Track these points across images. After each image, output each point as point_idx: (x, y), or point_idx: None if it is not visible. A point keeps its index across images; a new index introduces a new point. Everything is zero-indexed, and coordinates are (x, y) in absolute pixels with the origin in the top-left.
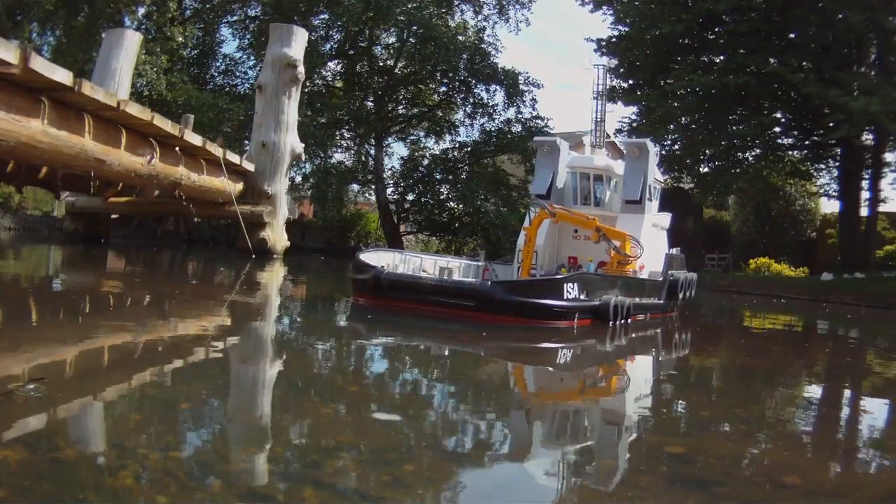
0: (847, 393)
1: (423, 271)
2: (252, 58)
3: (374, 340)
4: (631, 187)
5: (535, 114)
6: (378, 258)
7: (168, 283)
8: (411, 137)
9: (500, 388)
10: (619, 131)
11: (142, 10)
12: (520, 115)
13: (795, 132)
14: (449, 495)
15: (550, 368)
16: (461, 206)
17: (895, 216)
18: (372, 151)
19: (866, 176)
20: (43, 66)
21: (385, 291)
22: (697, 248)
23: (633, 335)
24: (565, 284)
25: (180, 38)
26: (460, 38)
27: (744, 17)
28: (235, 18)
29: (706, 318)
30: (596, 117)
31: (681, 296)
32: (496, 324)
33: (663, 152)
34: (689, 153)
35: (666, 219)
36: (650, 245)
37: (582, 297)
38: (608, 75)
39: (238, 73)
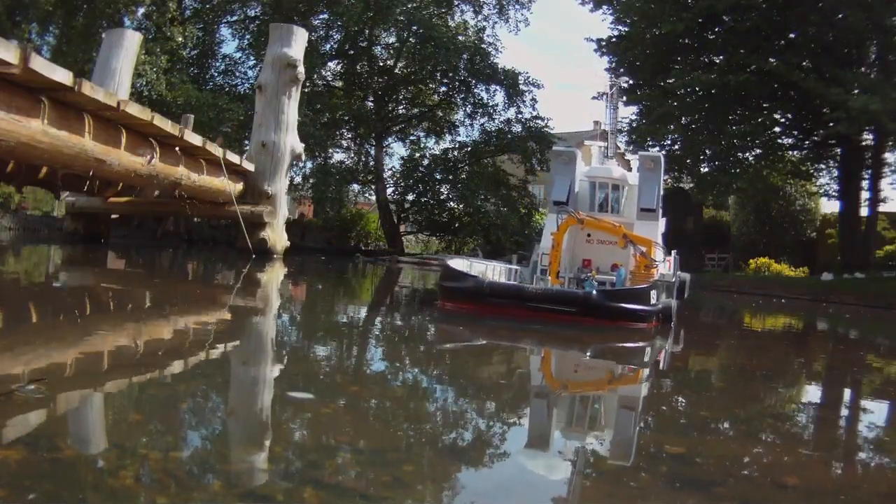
0: (847, 393)
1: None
2: (252, 58)
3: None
4: (647, 196)
5: (535, 114)
6: (458, 265)
7: (168, 284)
8: (411, 137)
9: (510, 384)
10: (619, 131)
11: (141, 10)
12: (520, 116)
13: (795, 132)
14: (449, 495)
15: (587, 359)
16: (461, 206)
17: (895, 216)
18: (372, 151)
19: (866, 176)
20: (43, 66)
21: (485, 298)
22: (697, 248)
23: (672, 333)
24: (651, 291)
25: (180, 38)
26: (460, 38)
27: (744, 16)
28: (235, 18)
29: (708, 318)
30: (609, 129)
31: (685, 295)
32: (586, 325)
33: (663, 152)
34: (689, 153)
35: (663, 224)
36: None
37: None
38: (611, 76)
39: (238, 73)
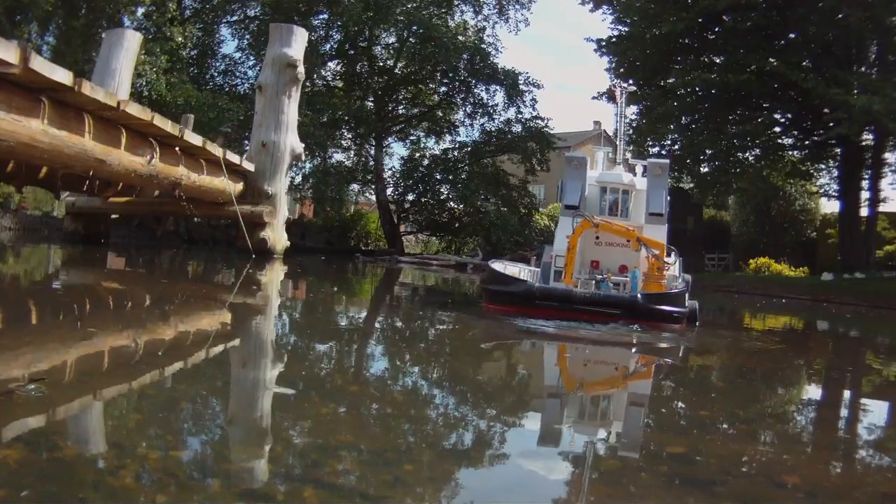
0: (847, 393)
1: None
2: (252, 58)
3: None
4: (655, 201)
5: (535, 114)
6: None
7: (168, 283)
8: (411, 137)
9: (516, 381)
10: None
11: (141, 10)
12: (520, 116)
13: (795, 132)
14: (449, 495)
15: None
16: (461, 206)
17: (895, 216)
18: (372, 151)
19: (866, 176)
20: (43, 66)
21: (533, 302)
22: (697, 248)
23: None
24: (685, 294)
25: (180, 38)
26: (460, 38)
27: (744, 16)
28: (235, 18)
29: (711, 319)
30: (617, 135)
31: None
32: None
33: (663, 152)
34: (689, 153)
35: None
36: None
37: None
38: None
39: (238, 73)
